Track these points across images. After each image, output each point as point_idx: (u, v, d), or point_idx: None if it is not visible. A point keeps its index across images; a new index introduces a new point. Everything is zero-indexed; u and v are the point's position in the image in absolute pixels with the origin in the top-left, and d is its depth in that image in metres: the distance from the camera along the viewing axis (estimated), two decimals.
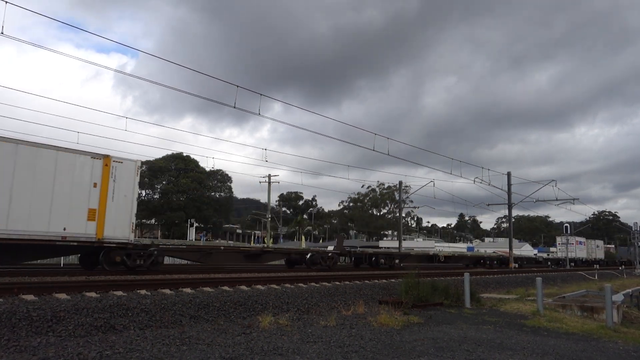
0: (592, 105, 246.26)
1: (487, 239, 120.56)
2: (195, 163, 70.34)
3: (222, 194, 77.82)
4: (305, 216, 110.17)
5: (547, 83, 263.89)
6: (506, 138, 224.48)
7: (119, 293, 9.89)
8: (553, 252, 79.13)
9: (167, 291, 10.69)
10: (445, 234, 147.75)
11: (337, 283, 15.36)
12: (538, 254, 70.22)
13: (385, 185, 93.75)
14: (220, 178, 76.16)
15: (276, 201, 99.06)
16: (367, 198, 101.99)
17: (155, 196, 71.67)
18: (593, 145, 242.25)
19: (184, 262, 26.15)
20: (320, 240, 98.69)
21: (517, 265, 41.24)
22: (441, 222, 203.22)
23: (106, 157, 15.92)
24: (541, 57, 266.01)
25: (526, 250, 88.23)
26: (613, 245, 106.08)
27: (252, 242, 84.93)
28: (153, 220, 74.18)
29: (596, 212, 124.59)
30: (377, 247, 67.85)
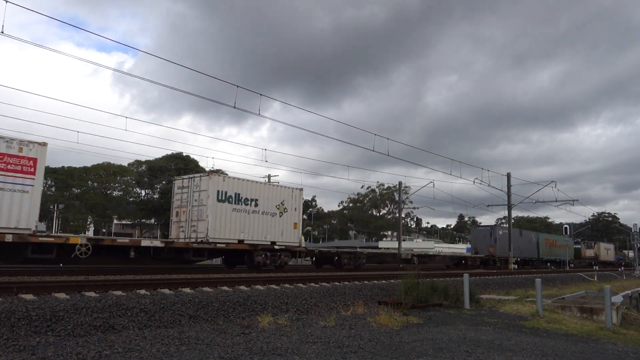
0: (595, 104, 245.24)
1: None
2: (195, 163, 70.30)
3: None
4: (304, 216, 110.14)
5: (550, 82, 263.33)
6: (508, 138, 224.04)
7: (118, 293, 9.89)
8: None
9: (167, 291, 10.69)
10: (444, 234, 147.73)
11: (337, 283, 15.37)
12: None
13: (385, 186, 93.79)
14: None
15: None
16: (367, 198, 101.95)
17: (155, 196, 71.62)
18: (594, 145, 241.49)
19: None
20: (320, 241, 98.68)
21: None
22: (441, 223, 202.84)
23: None
24: (544, 55, 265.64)
25: None
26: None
27: None
28: (152, 220, 74.14)
29: (595, 214, 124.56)
30: (377, 247, 67.81)
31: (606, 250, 70.55)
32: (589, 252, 67.19)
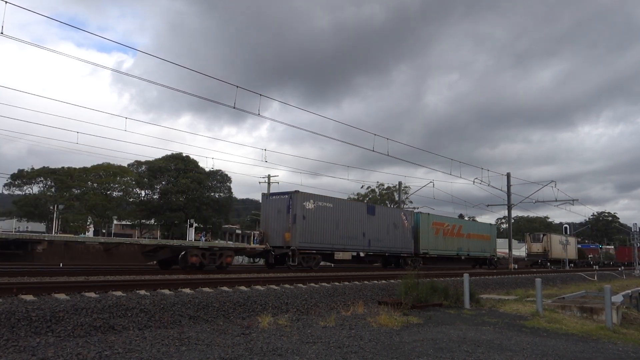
0: (596, 103, 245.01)
1: None
2: (194, 163, 70.33)
3: (221, 194, 77.78)
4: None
5: (551, 81, 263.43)
6: (508, 137, 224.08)
7: (118, 293, 9.88)
8: None
9: (167, 291, 10.68)
10: None
11: (337, 284, 15.38)
12: None
13: (385, 186, 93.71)
14: (220, 178, 76.14)
15: None
16: (367, 199, 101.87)
17: (155, 196, 71.64)
18: (595, 145, 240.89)
19: None
20: None
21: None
22: None
23: None
24: (545, 54, 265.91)
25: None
26: (612, 247, 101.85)
27: (251, 242, 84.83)
28: (152, 221, 74.14)
29: (595, 213, 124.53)
30: None
31: (561, 245, 52.86)
32: (536, 247, 51.50)
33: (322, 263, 26.24)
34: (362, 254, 27.03)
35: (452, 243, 34.92)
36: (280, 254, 23.29)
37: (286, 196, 24.28)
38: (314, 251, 24.12)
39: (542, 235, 52.89)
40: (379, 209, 29.83)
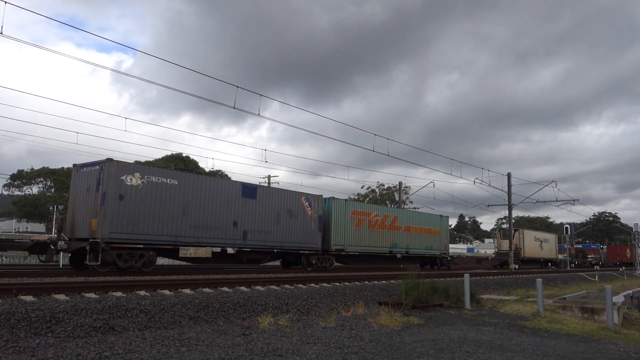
0: (597, 103, 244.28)
1: (487, 240, 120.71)
2: (194, 163, 70.38)
3: None
4: None
5: (552, 80, 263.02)
6: (509, 137, 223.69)
7: (118, 294, 9.86)
8: None
9: (167, 292, 10.67)
10: None
11: (337, 284, 15.37)
12: None
13: (385, 186, 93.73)
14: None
15: None
16: (367, 199, 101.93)
17: None
18: (596, 144, 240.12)
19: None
20: None
21: (517, 267, 40.02)
22: None
23: None
24: (545, 54, 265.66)
25: None
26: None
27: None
28: None
29: (596, 213, 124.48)
30: None
31: (539, 242, 46.51)
32: (506, 244, 42.55)
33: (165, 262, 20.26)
34: (231, 250, 20.27)
35: (383, 238, 27.61)
36: (77, 249, 16.44)
37: (97, 167, 17.09)
38: (141, 245, 17.22)
39: (514, 231, 44.50)
40: (263, 190, 22.25)
